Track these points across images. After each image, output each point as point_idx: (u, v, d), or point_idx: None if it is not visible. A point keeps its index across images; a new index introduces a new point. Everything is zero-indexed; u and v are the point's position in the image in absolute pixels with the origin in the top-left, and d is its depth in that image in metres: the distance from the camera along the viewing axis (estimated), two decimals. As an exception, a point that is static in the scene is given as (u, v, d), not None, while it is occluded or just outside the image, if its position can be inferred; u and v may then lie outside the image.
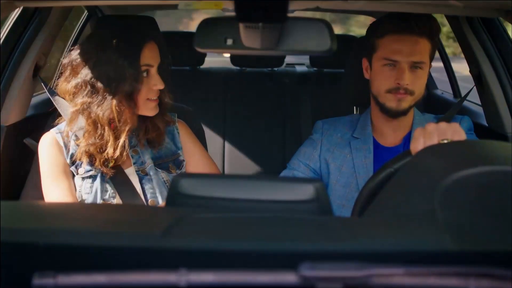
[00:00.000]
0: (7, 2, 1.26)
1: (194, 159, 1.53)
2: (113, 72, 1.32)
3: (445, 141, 1.00)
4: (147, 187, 1.43)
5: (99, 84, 1.32)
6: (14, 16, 1.76)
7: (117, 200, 1.41)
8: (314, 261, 0.51)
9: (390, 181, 0.82)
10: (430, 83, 2.90)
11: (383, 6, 1.46)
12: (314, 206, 0.68)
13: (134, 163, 1.45)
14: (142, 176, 1.44)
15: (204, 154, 1.57)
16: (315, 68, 2.99)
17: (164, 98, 1.44)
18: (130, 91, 1.33)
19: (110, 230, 0.60)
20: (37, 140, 1.49)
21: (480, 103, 1.99)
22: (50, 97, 1.54)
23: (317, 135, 1.56)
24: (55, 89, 1.50)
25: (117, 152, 1.36)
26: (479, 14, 1.66)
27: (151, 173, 1.44)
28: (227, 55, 3.26)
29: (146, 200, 1.42)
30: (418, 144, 1.02)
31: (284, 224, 0.62)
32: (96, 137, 1.36)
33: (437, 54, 1.71)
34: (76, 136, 1.41)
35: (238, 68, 2.96)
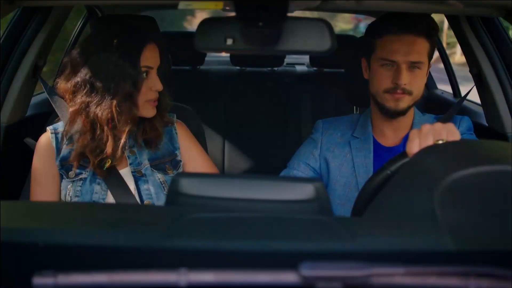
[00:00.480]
0: (7, 2, 1.26)
1: (192, 160, 1.53)
2: (113, 72, 1.32)
3: (441, 142, 1.00)
4: (142, 188, 1.42)
5: (99, 84, 1.32)
6: (14, 16, 1.76)
7: (106, 201, 1.40)
8: (314, 261, 0.51)
9: (390, 181, 0.82)
10: (430, 82, 2.91)
11: (383, 6, 1.45)
12: (314, 205, 0.68)
13: (130, 164, 1.44)
14: (138, 177, 1.43)
15: (202, 155, 1.56)
16: (315, 68, 2.99)
17: (163, 99, 1.43)
18: (129, 92, 1.33)
19: (110, 230, 0.60)
20: (37, 140, 1.49)
21: (480, 103, 1.99)
22: (48, 97, 1.54)
23: (317, 135, 1.56)
24: (55, 88, 1.50)
25: (118, 153, 1.36)
26: (479, 14, 1.66)
27: (147, 174, 1.43)
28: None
29: (142, 201, 1.41)
30: (413, 145, 1.03)
31: (284, 224, 0.62)
32: (93, 138, 1.35)
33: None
34: (70, 139, 1.41)
35: (238, 68, 2.96)
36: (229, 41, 0.92)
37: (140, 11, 3.00)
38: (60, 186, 1.43)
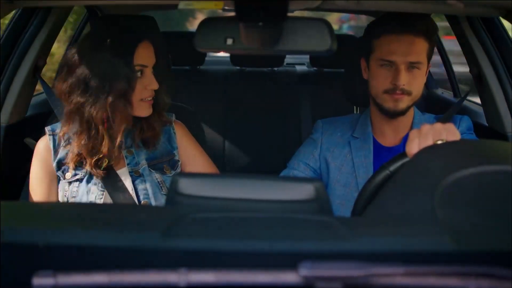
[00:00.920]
0: (7, 2, 1.26)
1: (191, 160, 1.53)
2: (107, 71, 1.32)
3: (440, 142, 1.00)
4: (140, 188, 1.42)
5: (93, 83, 1.32)
6: (14, 16, 1.76)
7: (103, 202, 1.40)
8: (314, 261, 0.51)
9: (390, 181, 0.83)
10: (430, 82, 2.90)
11: (383, 6, 1.45)
12: (314, 205, 0.68)
13: (128, 164, 1.44)
14: (136, 177, 1.43)
15: (201, 155, 1.56)
16: (315, 68, 2.99)
17: (160, 98, 1.43)
18: (123, 91, 1.33)
19: (110, 230, 0.60)
20: (37, 140, 1.49)
21: (480, 103, 1.99)
22: (47, 97, 1.55)
23: (317, 135, 1.56)
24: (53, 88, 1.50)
25: (115, 152, 1.36)
26: (479, 14, 1.66)
27: (145, 174, 1.43)
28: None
29: (139, 201, 1.41)
30: (413, 145, 1.02)
31: (284, 224, 0.62)
32: (89, 138, 1.35)
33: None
34: (67, 140, 1.41)
35: (238, 67, 2.96)
36: (229, 41, 0.92)
37: (141, 11, 3.00)
38: (58, 187, 1.43)
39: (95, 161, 1.36)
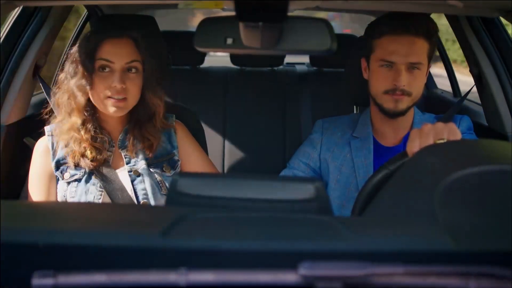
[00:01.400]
0: (7, 2, 1.26)
1: (191, 160, 1.53)
2: (72, 65, 1.38)
3: (441, 141, 0.99)
4: (139, 188, 1.42)
5: (62, 77, 1.41)
6: (14, 16, 1.76)
7: (102, 202, 1.40)
8: (314, 261, 0.51)
9: (390, 180, 0.82)
10: (430, 82, 2.90)
11: (383, 6, 1.45)
12: (314, 205, 0.68)
13: (127, 163, 1.44)
14: (135, 177, 1.43)
15: (202, 154, 1.56)
16: (315, 68, 2.99)
17: (151, 104, 1.42)
18: (82, 85, 1.36)
19: (110, 230, 0.60)
20: (37, 140, 1.49)
21: (480, 103, 1.99)
22: (47, 97, 1.55)
23: (317, 135, 1.56)
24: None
25: (98, 146, 1.40)
26: (479, 14, 1.66)
27: (144, 174, 1.43)
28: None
29: (138, 201, 1.41)
30: (414, 145, 1.02)
31: (284, 224, 0.62)
32: (75, 132, 1.40)
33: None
34: (66, 143, 1.42)
35: (238, 67, 2.95)
36: (229, 41, 0.92)
37: (141, 11, 3.00)
38: (57, 187, 1.44)
39: (82, 152, 1.39)
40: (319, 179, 1.48)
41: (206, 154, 1.62)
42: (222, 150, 2.66)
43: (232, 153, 2.67)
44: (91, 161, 1.39)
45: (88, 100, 1.38)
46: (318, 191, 0.68)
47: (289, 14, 0.88)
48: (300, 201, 0.68)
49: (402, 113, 1.43)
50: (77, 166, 1.40)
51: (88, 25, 2.73)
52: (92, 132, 1.39)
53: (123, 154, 1.44)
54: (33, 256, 0.54)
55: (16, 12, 1.74)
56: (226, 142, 2.68)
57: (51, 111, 1.49)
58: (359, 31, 2.79)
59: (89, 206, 0.95)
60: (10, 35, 1.73)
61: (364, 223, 0.69)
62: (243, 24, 0.88)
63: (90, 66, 1.35)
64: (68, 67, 1.39)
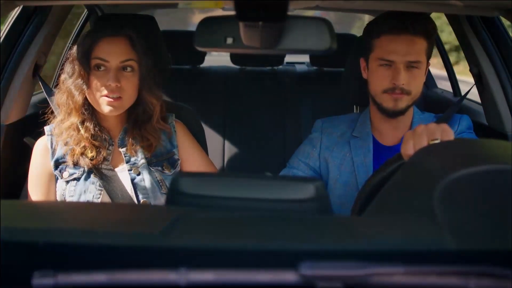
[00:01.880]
0: (6, 1, 1.26)
1: (191, 159, 1.53)
2: (71, 65, 1.38)
3: (435, 142, 0.99)
4: (139, 187, 1.42)
5: (63, 77, 1.41)
6: (14, 15, 1.76)
7: (101, 201, 1.40)
8: (314, 260, 0.51)
9: (390, 180, 0.82)
10: (430, 81, 2.90)
11: (382, 5, 1.45)
12: (314, 205, 0.68)
13: (127, 162, 1.44)
14: (135, 175, 1.43)
15: (201, 154, 1.56)
16: (315, 67, 2.99)
17: (146, 105, 1.42)
18: (79, 84, 1.36)
19: (110, 230, 0.60)
20: (37, 139, 1.49)
21: (480, 102, 1.99)
22: (47, 97, 1.55)
23: (317, 134, 1.56)
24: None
25: (97, 144, 1.40)
26: (479, 13, 1.66)
27: (144, 173, 1.43)
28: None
29: (138, 200, 1.41)
30: (408, 147, 1.02)
31: (284, 223, 0.62)
32: (74, 131, 1.40)
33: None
34: (66, 142, 1.42)
35: (238, 67, 2.95)
36: (229, 40, 0.92)
37: (141, 10, 2.99)
38: (56, 187, 1.44)
39: (81, 151, 1.39)
40: (319, 178, 1.48)
41: (206, 153, 1.62)
42: (222, 150, 2.66)
43: (232, 153, 2.67)
44: (91, 160, 1.39)
45: (86, 99, 1.38)
46: (318, 191, 0.68)
47: (289, 13, 0.88)
48: (300, 200, 0.68)
49: (402, 112, 1.43)
50: (76, 165, 1.40)
51: (88, 25, 2.73)
52: (92, 131, 1.39)
53: (122, 153, 1.44)
54: (33, 256, 0.54)
55: (16, 12, 1.74)
56: (226, 142, 2.68)
57: (52, 111, 1.49)
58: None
59: (89, 205, 0.95)
60: (10, 35, 1.73)
61: (364, 223, 0.69)
62: (243, 24, 0.88)
63: (86, 65, 1.35)
64: (67, 67, 1.39)
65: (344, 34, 2.92)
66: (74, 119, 1.38)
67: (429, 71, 1.52)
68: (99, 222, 0.64)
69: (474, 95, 2.02)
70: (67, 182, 1.41)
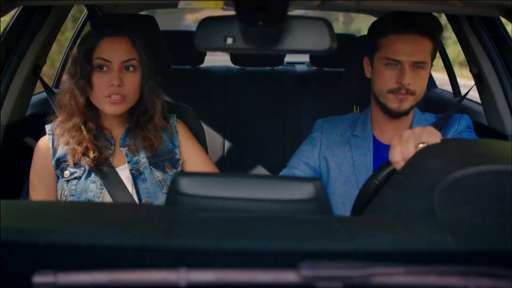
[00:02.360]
0: (6, 1, 1.26)
1: (192, 159, 1.53)
2: (72, 66, 1.38)
3: (422, 145, 0.98)
4: (141, 187, 1.42)
5: (65, 78, 1.41)
6: (14, 15, 1.76)
7: (102, 200, 1.40)
8: (314, 260, 0.51)
9: (390, 180, 0.83)
10: (430, 82, 2.90)
11: (383, 5, 1.45)
12: (314, 205, 0.68)
13: (128, 162, 1.44)
14: (137, 175, 1.43)
15: (202, 154, 1.56)
16: (315, 67, 2.99)
17: (149, 105, 1.42)
18: (81, 84, 1.36)
19: (110, 229, 0.60)
20: (37, 139, 1.49)
21: (480, 102, 1.99)
22: (47, 97, 1.55)
23: (317, 134, 1.56)
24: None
25: (100, 145, 1.40)
26: (479, 13, 1.66)
27: (146, 173, 1.43)
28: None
29: (140, 200, 1.41)
30: (395, 153, 1.00)
31: (283, 223, 0.62)
32: (76, 131, 1.40)
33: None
34: (68, 142, 1.42)
35: (238, 67, 2.95)
36: (229, 40, 0.92)
37: (141, 10, 3.00)
38: (57, 186, 1.44)
39: (83, 151, 1.39)
40: (318, 178, 1.48)
41: (207, 153, 1.62)
42: (222, 150, 2.67)
43: (232, 153, 2.67)
44: (92, 159, 1.39)
45: (88, 99, 1.38)
46: (318, 190, 0.68)
47: (289, 13, 0.88)
48: (300, 200, 0.68)
49: (405, 112, 1.43)
50: (76, 164, 1.40)
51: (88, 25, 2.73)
52: (94, 131, 1.40)
53: (124, 152, 1.45)
54: (33, 255, 0.54)
55: (16, 12, 1.74)
56: (226, 142, 2.68)
57: (53, 112, 1.50)
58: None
59: (89, 205, 0.95)
60: (10, 34, 1.73)
61: (364, 223, 0.69)
62: (243, 24, 0.88)
63: (88, 65, 1.35)
64: (69, 68, 1.40)
65: (344, 34, 2.92)
66: (77, 120, 1.38)
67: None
68: (99, 221, 0.64)
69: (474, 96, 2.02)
70: (68, 181, 1.42)
